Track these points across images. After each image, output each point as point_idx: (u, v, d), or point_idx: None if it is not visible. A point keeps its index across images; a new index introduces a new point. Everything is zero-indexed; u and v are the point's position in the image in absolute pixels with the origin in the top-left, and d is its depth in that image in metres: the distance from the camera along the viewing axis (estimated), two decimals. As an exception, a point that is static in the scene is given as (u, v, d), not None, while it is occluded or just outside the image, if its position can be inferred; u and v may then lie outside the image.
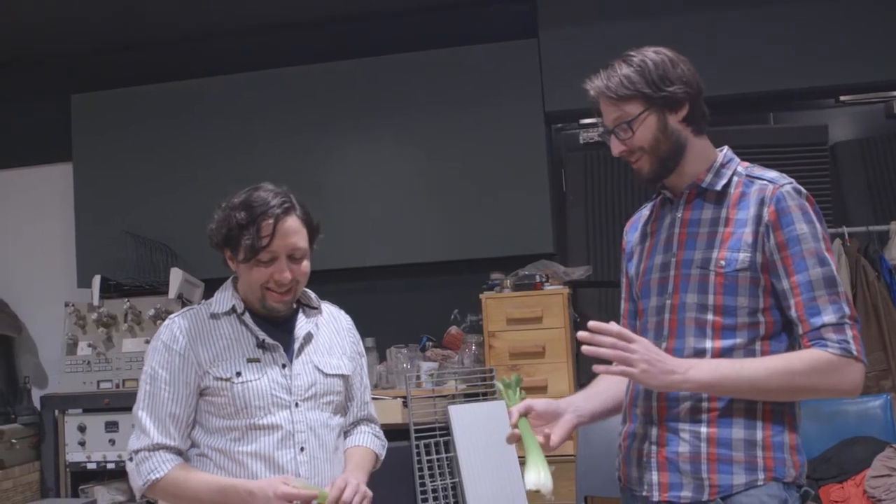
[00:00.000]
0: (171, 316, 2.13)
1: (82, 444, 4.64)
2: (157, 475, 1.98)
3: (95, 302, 4.79)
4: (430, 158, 4.82)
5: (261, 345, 2.09)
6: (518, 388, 2.02)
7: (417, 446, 3.89)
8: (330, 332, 2.23)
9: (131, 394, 4.48)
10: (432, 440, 3.93)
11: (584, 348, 1.85)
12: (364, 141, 4.87)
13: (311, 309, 2.22)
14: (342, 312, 2.33)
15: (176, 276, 4.69)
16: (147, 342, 4.55)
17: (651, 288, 2.04)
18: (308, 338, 2.15)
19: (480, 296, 4.34)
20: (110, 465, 4.62)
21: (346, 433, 2.23)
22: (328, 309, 2.29)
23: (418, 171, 4.83)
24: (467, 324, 4.68)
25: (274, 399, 2.05)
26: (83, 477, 4.74)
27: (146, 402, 2.04)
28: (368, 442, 2.22)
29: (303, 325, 2.16)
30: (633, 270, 2.14)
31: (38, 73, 5.50)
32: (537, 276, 4.30)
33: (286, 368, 2.09)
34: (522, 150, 4.70)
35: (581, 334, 1.82)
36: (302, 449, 2.05)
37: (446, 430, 3.95)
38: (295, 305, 2.19)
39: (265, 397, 2.04)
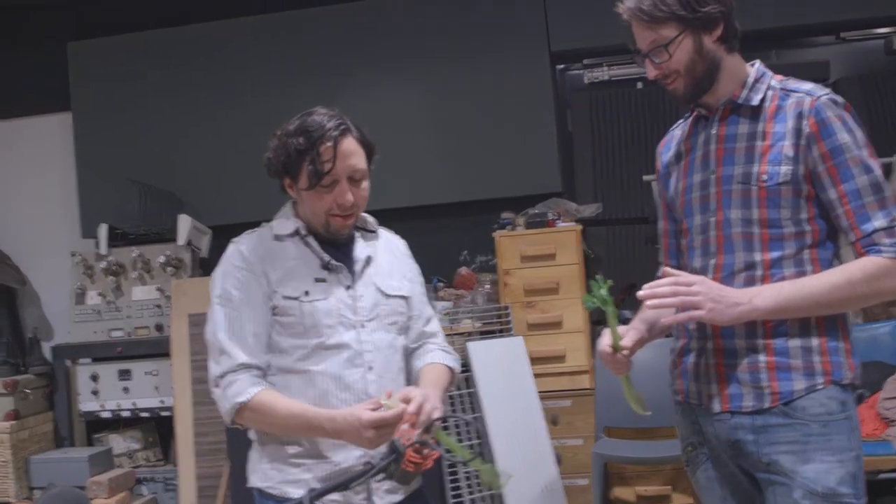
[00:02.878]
0: (235, 239, 2.13)
1: (95, 393, 4.64)
2: (245, 398, 1.97)
3: (103, 251, 4.77)
4: (437, 100, 4.82)
5: (326, 266, 2.10)
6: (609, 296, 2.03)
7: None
8: (388, 256, 2.24)
9: (144, 342, 4.59)
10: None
11: (648, 303, 1.88)
12: (370, 84, 4.85)
13: (369, 233, 2.23)
14: (397, 237, 2.34)
15: (184, 223, 4.67)
16: (158, 289, 4.62)
17: (693, 206, 2.06)
18: (368, 260, 2.17)
19: (494, 234, 4.37)
20: (125, 413, 4.63)
21: (413, 353, 2.23)
22: (385, 234, 2.30)
23: (425, 112, 4.83)
24: (477, 264, 4.72)
25: (341, 319, 2.06)
26: (97, 426, 4.75)
27: (224, 325, 2.03)
28: (439, 358, 2.20)
29: (362, 248, 2.18)
30: (671, 190, 2.16)
31: (34, 21, 5.40)
32: (549, 214, 4.33)
33: (350, 290, 2.10)
34: (529, 90, 4.71)
35: (640, 294, 1.86)
36: (370, 368, 2.06)
37: (465, 366, 3.99)
38: (353, 230, 2.20)
39: (333, 316, 2.05)
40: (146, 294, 4.70)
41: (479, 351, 3.97)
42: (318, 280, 2.08)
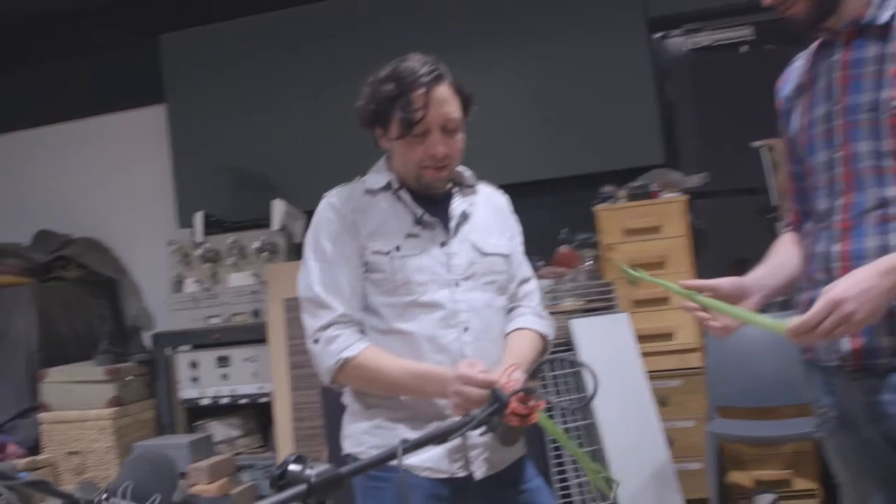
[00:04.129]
0: (327, 194, 2.04)
1: (195, 380, 4.64)
2: (351, 353, 1.87)
3: (199, 238, 4.77)
4: (530, 74, 4.66)
5: (419, 221, 1.98)
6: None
7: (551, 364, 3.77)
8: (487, 211, 2.10)
9: (241, 328, 4.55)
10: (555, 356, 3.80)
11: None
12: (461, 62, 4.69)
13: (467, 188, 2.10)
14: (498, 192, 2.20)
15: (278, 208, 4.64)
16: (254, 275, 4.57)
17: (816, 142, 1.85)
18: (464, 216, 2.04)
19: (594, 208, 4.19)
20: (224, 400, 4.62)
21: (506, 316, 2.10)
22: (485, 188, 2.17)
23: (519, 88, 4.67)
24: (577, 242, 4.54)
25: (434, 276, 1.94)
26: (197, 413, 4.76)
27: (320, 278, 1.94)
28: (529, 322, 2.05)
29: (458, 203, 2.04)
30: (793, 127, 1.96)
31: (125, 16, 5.47)
32: (652, 186, 4.13)
33: (444, 246, 1.97)
34: (626, 59, 4.51)
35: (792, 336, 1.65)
36: (466, 329, 1.93)
37: (568, 345, 3.82)
38: (450, 185, 2.07)
39: (425, 273, 1.94)
40: (242, 280, 4.67)
41: (583, 328, 3.80)
42: (409, 235, 1.96)
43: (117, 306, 5.33)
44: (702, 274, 4.12)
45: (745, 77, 4.48)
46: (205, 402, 4.64)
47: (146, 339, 4.90)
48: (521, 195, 4.64)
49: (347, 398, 2.03)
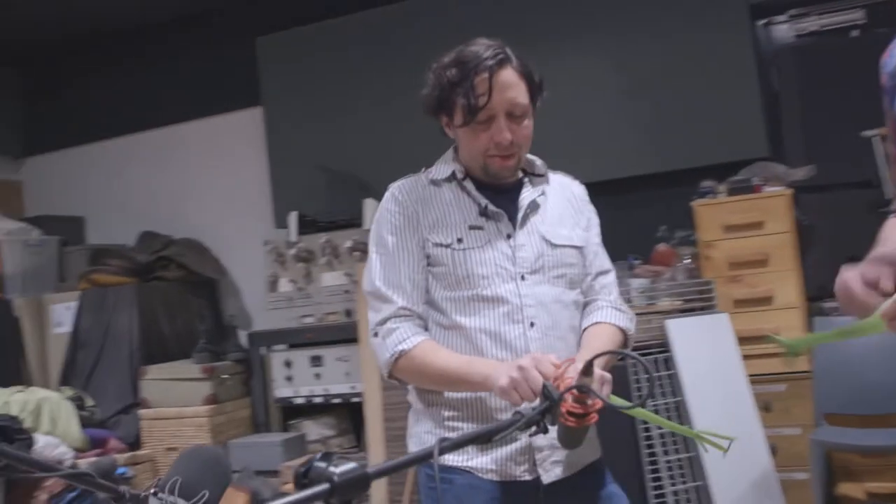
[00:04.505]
0: (391, 186, 1.98)
1: (289, 379, 4.67)
2: (407, 346, 1.81)
3: (293, 238, 4.80)
4: (625, 66, 4.51)
5: (483, 212, 1.90)
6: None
7: (634, 365, 3.63)
8: (560, 201, 2.00)
9: (334, 327, 4.55)
10: (650, 357, 3.66)
11: None
12: (556, 53, 4.61)
13: (537, 177, 2.00)
14: (575, 181, 2.10)
15: (370, 207, 4.61)
16: (346, 274, 4.57)
17: None
18: (533, 206, 1.94)
19: (692, 203, 4.01)
20: (317, 399, 4.63)
21: (581, 311, 1.99)
22: (558, 178, 2.07)
23: (613, 80, 4.53)
24: (676, 239, 4.36)
25: (498, 269, 1.86)
26: (291, 412, 4.79)
27: (380, 272, 1.89)
28: (608, 316, 1.94)
29: (528, 193, 1.95)
30: None
31: (221, 20, 5.56)
32: (754, 180, 3.92)
33: (511, 239, 1.89)
34: (727, 49, 4.31)
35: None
36: (532, 324, 1.84)
37: (664, 346, 3.67)
38: (521, 175, 1.98)
39: (488, 266, 1.86)
40: (335, 280, 4.68)
41: (680, 328, 3.63)
42: (473, 227, 1.88)
43: (217, 306, 5.43)
44: (807, 273, 3.90)
45: (856, 63, 4.19)
46: (298, 401, 4.66)
47: (243, 338, 4.95)
48: (618, 192, 4.59)
49: (412, 397, 1.97)
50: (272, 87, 5.28)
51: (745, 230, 3.86)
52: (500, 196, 1.93)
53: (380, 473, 1.17)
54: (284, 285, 4.80)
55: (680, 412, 3.54)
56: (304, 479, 1.12)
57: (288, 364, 4.67)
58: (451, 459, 1.87)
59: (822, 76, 4.27)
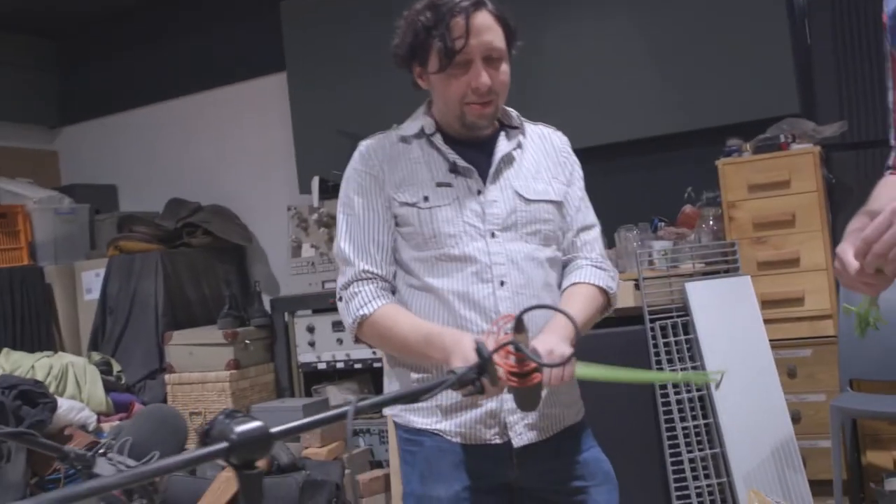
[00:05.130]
0: (360, 143, 1.91)
1: (312, 344, 4.66)
2: (368, 310, 1.76)
3: (315, 203, 4.77)
4: (651, 20, 4.33)
5: (453, 168, 1.82)
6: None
7: (652, 328, 3.52)
8: (537, 154, 1.91)
9: (355, 292, 4.49)
10: (669, 321, 3.54)
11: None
12: (579, 11, 4.46)
13: (513, 129, 1.91)
14: (556, 132, 2.00)
15: (390, 171, 4.55)
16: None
17: None
18: (508, 160, 1.85)
19: (717, 162, 3.86)
20: (339, 365, 4.61)
21: (562, 270, 1.91)
22: (538, 129, 1.97)
23: (640, 35, 4.36)
24: (703, 201, 4.22)
25: (465, 227, 1.78)
26: (315, 377, 4.78)
27: (346, 234, 1.84)
28: (587, 276, 1.85)
29: (503, 146, 1.86)
30: None
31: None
32: (781, 137, 3.76)
33: (481, 195, 1.81)
34: (758, 1, 4.12)
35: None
36: (502, 283, 1.76)
37: (684, 311, 3.55)
38: (497, 127, 1.90)
39: (456, 224, 1.78)
40: (356, 244, 4.63)
41: (699, 292, 3.52)
42: (441, 184, 1.81)
43: (244, 272, 5.44)
44: (837, 233, 3.74)
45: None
46: (321, 366, 4.65)
47: (268, 304, 4.95)
48: (644, 153, 4.46)
49: (384, 358, 1.91)
50: (296, 52, 5.22)
51: (771, 189, 3.71)
52: (473, 150, 1.85)
53: (285, 433, 1.10)
54: (307, 251, 4.77)
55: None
56: (206, 437, 1.07)
57: (311, 329, 4.66)
58: (420, 422, 1.83)
59: (856, 30, 4.06)
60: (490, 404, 1.76)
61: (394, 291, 1.83)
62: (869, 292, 1.49)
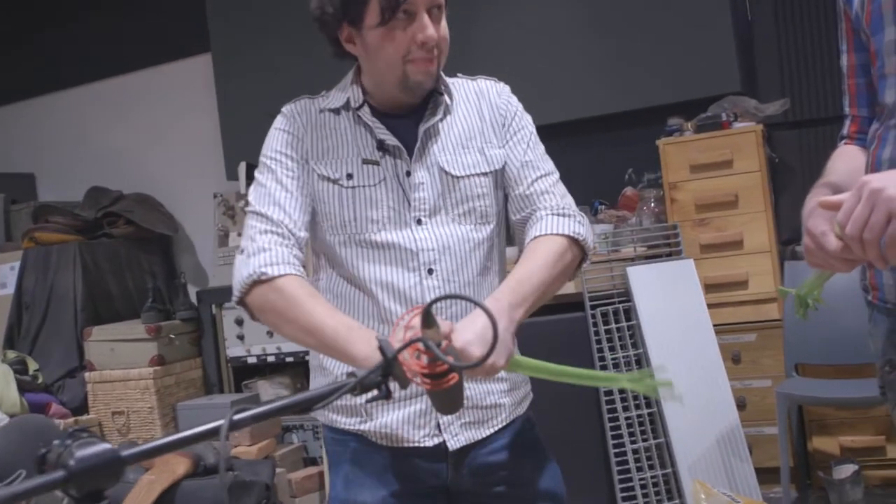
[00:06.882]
0: (284, 106, 1.72)
1: (241, 337, 4.45)
2: (274, 271, 1.50)
3: (242, 190, 4.54)
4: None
5: (381, 146, 1.63)
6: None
7: (594, 315, 3.39)
8: (470, 118, 1.70)
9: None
10: (610, 307, 3.42)
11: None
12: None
13: (439, 95, 1.69)
14: (497, 84, 1.77)
15: (320, 155, 4.36)
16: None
17: (884, 15, 1.45)
18: (432, 133, 1.66)
19: (657, 142, 3.73)
20: (270, 359, 4.41)
21: (521, 228, 1.69)
22: (476, 85, 1.75)
23: (578, 13, 4.21)
24: (644, 183, 4.10)
25: (390, 213, 1.60)
26: (245, 372, 4.57)
27: (261, 190, 1.62)
28: (547, 227, 1.60)
29: (428, 120, 1.66)
30: (855, 3, 1.53)
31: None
32: (723, 115, 3.65)
33: (410, 177, 1.62)
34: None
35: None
36: (430, 272, 1.59)
37: (626, 296, 3.43)
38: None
39: (380, 209, 1.60)
40: (286, 233, 4.43)
41: (641, 276, 3.40)
42: (367, 161, 1.62)
43: (171, 263, 5.20)
44: (782, 213, 3.65)
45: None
46: (251, 360, 4.44)
47: (194, 295, 4.73)
48: (583, 133, 4.30)
49: (311, 355, 1.72)
50: (221, 32, 4.99)
51: (713, 169, 3.60)
52: (404, 124, 1.65)
53: (139, 456, 0.91)
54: (235, 239, 4.55)
55: (641, 366, 3.31)
56: (43, 463, 0.88)
57: (240, 322, 4.44)
58: (343, 422, 1.65)
59: (797, 6, 3.96)
60: (422, 403, 1.59)
61: (300, 249, 1.60)
62: (845, 269, 1.37)
